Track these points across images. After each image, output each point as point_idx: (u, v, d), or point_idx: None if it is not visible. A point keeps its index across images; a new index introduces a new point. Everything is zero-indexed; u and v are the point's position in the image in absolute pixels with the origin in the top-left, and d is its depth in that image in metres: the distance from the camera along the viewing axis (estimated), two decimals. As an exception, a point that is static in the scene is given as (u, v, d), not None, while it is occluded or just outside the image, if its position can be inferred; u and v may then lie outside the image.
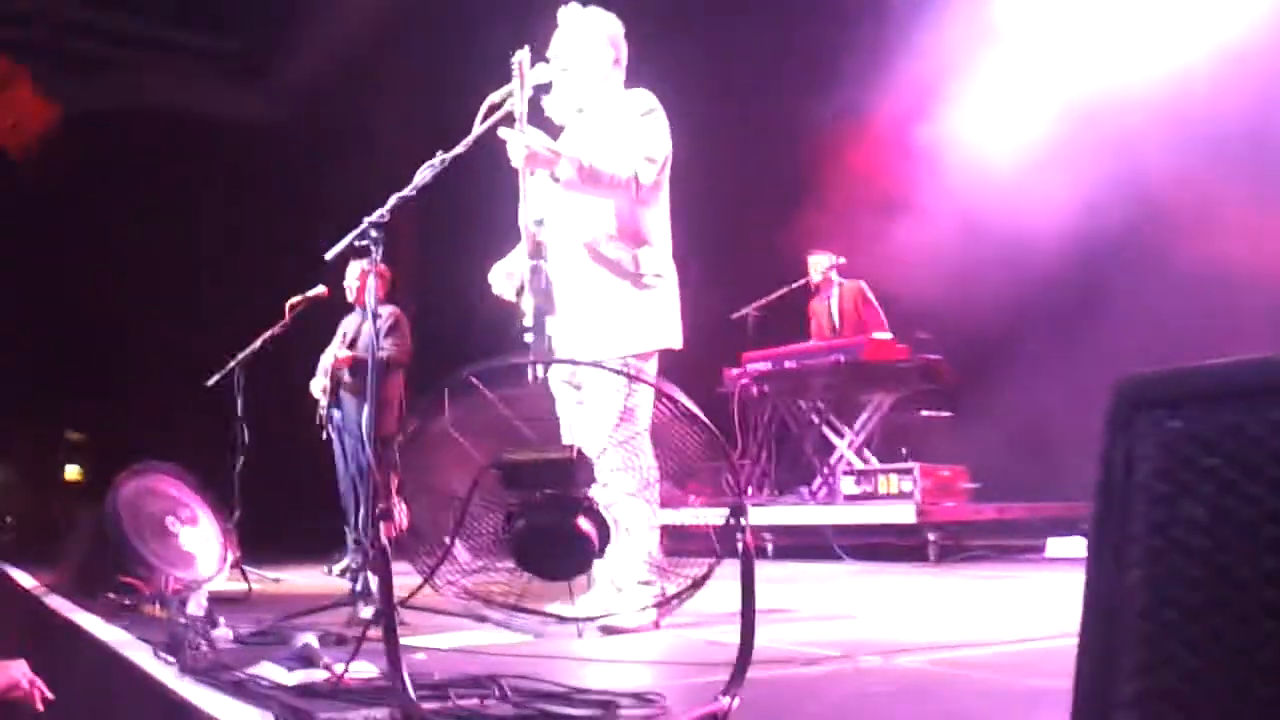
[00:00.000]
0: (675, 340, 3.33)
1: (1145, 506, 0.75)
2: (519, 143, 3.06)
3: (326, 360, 6.25)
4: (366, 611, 3.23)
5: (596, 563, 2.43)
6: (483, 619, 2.77)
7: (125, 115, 11.42)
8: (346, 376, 6.10)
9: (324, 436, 6.19)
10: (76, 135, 11.00)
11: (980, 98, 6.34)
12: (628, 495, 2.79)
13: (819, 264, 7.01)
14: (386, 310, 6.04)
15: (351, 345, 6.17)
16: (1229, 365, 0.75)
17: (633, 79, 3.48)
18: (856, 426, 6.51)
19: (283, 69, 11.99)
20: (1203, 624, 0.73)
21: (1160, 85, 5.49)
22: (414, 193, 3.21)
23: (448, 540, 2.22)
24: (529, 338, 3.04)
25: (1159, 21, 5.78)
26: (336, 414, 6.16)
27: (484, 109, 3.22)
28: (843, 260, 6.97)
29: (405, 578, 2.26)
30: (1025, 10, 6.23)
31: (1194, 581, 0.73)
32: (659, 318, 3.29)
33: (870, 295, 6.89)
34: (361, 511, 5.97)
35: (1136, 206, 5.71)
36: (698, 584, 2.33)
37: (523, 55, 3.15)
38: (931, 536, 5.57)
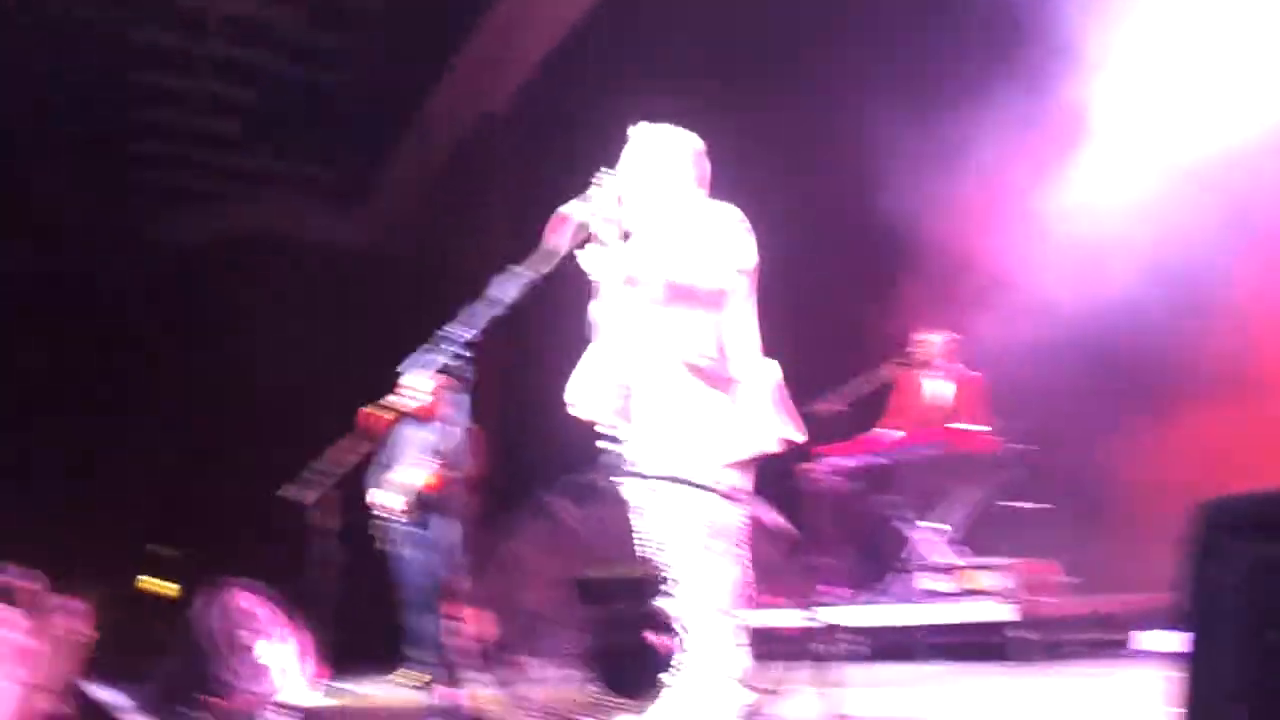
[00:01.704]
0: (768, 444, 3.28)
1: (1234, 632, 0.70)
2: (610, 262, 3.10)
3: (404, 477, 6.23)
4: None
5: (676, 673, 2.39)
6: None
7: (241, 243, 11.92)
8: (432, 496, 6.05)
9: (386, 550, 6.19)
10: (188, 262, 11.54)
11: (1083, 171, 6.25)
12: (713, 606, 2.75)
13: (934, 342, 6.87)
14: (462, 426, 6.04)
15: (441, 464, 6.14)
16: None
17: (717, 192, 3.52)
18: (950, 520, 6.35)
19: (379, 197, 12.47)
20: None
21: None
22: (503, 309, 3.21)
23: (526, 656, 2.20)
24: (610, 448, 3.03)
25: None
26: (416, 530, 6.14)
27: (572, 224, 3.26)
28: (954, 336, 6.85)
29: (480, 688, 2.24)
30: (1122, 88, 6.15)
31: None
32: (748, 423, 3.25)
33: (985, 391, 6.76)
34: (434, 625, 5.95)
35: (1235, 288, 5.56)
36: (778, 691, 2.27)
37: (608, 175, 3.21)
38: (1031, 634, 5.38)
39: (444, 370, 3.27)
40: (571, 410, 3.35)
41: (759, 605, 3.13)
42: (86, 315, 10.69)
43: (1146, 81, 6.07)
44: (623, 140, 3.52)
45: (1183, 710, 0.77)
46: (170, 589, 11.56)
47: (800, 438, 3.30)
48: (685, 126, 3.57)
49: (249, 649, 3.75)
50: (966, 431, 6.24)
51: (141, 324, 11.13)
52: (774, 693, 2.05)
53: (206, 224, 12.29)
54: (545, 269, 3.18)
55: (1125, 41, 5.99)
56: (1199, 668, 0.75)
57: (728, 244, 3.31)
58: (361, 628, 6.29)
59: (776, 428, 3.27)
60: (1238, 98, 5.70)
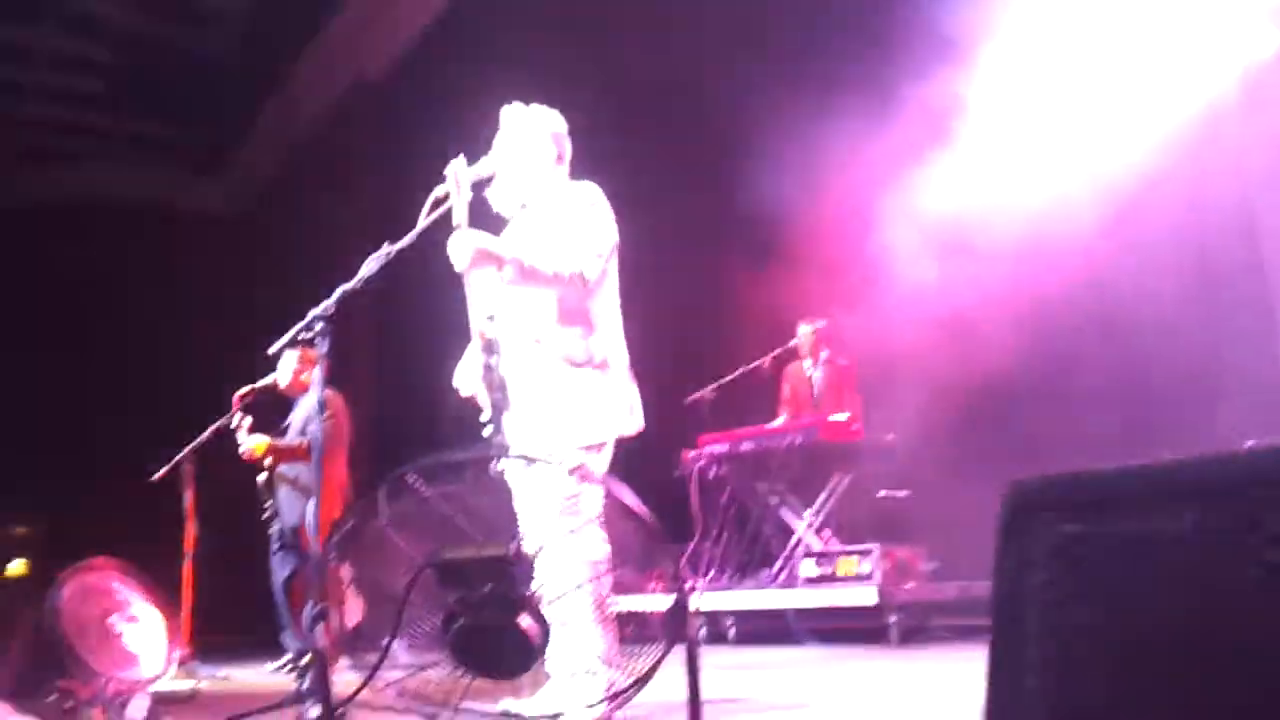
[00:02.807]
0: (627, 426, 3.33)
1: (1040, 612, 0.75)
2: (459, 247, 3.11)
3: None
4: (314, 711, 3.17)
5: (543, 658, 2.42)
6: (432, 718, 2.73)
7: (92, 206, 11.47)
8: (281, 468, 5.91)
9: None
10: (40, 224, 11.05)
11: (959, 164, 6.40)
12: (575, 588, 2.78)
13: (809, 331, 7.03)
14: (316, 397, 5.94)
15: (280, 434, 6.04)
16: (1117, 472, 0.76)
17: (583, 170, 3.54)
18: (815, 508, 6.50)
19: (238, 163, 12.13)
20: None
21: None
22: (360, 285, 3.21)
23: (386, 640, 2.20)
24: (487, 432, 3.04)
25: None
26: (269, 505, 5.98)
27: (429, 202, 3.26)
28: (823, 324, 7.01)
29: (351, 675, 2.23)
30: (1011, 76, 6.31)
31: (1086, 689, 0.73)
32: (610, 405, 3.29)
33: (854, 377, 6.94)
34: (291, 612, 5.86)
35: (1106, 294, 5.78)
36: (645, 677, 2.31)
37: (456, 163, 3.22)
38: (893, 618, 5.55)
39: (297, 343, 3.25)
40: (460, 392, 3.36)
41: (626, 588, 3.17)
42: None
43: (1022, 74, 6.24)
44: (494, 117, 3.52)
45: (987, 688, 0.82)
46: (20, 567, 11.17)
47: (635, 430, 3.34)
48: (561, 106, 3.59)
49: (113, 631, 3.65)
50: (833, 420, 6.39)
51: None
52: (639, 680, 2.08)
53: (57, 185, 11.81)
54: (403, 244, 3.18)
55: (1004, 33, 6.14)
56: (1003, 646, 0.80)
57: (583, 224, 3.33)
58: (229, 610, 6.19)
59: (630, 413, 3.32)
60: (1114, 93, 5.91)
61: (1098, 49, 5.97)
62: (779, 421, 6.92)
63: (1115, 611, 0.78)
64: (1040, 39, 6.09)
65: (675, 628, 2.05)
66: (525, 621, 2.10)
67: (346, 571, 3.39)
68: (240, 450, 5.83)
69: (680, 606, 2.06)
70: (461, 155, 3.24)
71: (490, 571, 2.04)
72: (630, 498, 2.07)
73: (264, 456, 5.83)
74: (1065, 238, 5.69)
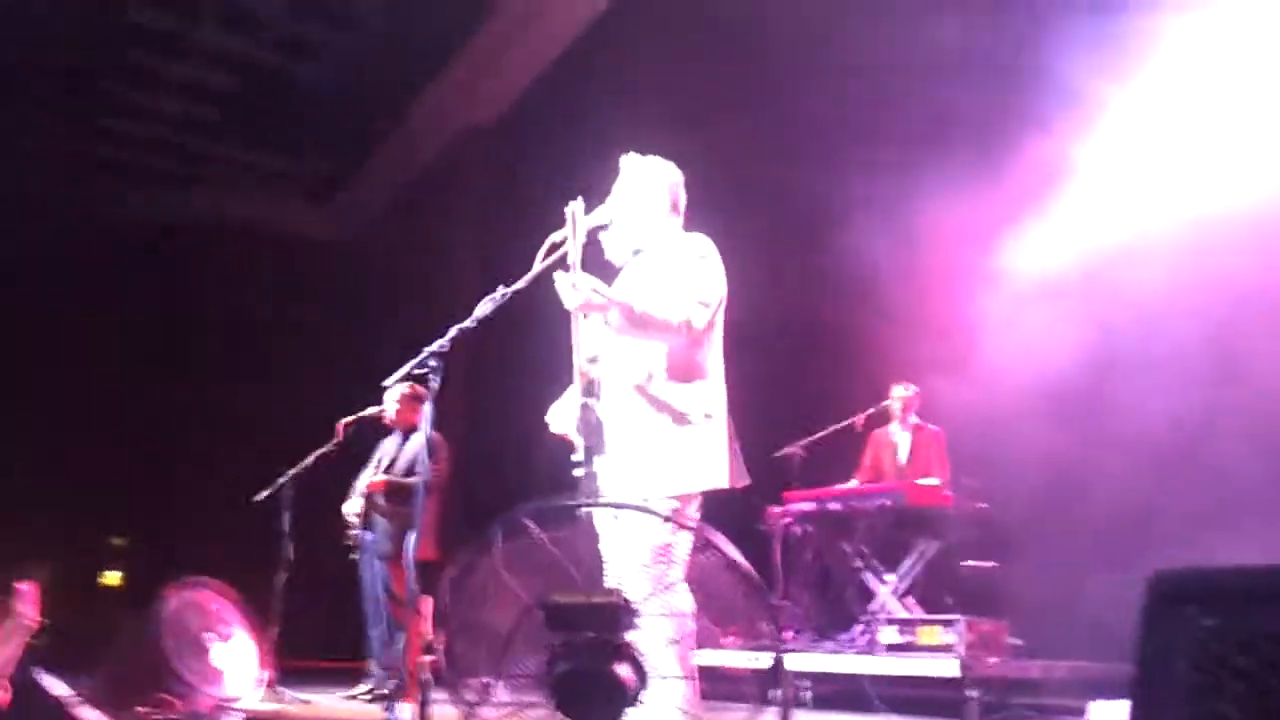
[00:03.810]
0: (721, 480, 3.33)
1: (1180, 702, 0.77)
2: (572, 289, 3.16)
3: (362, 483, 6.26)
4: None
5: (632, 710, 2.44)
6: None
7: (200, 230, 11.86)
8: (380, 500, 6.08)
9: (352, 558, 6.21)
10: (151, 246, 11.45)
11: (1050, 232, 6.36)
12: (666, 641, 2.80)
13: (903, 395, 7.01)
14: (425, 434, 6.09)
15: (388, 469, 6.20)
16: (1262, 569, 0.78)
17: (693, 225, 3.60)
18: (900, 573, 6.43)
19: (354, 194, 12.48)
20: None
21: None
22: (474, 324, 3.28)
23: (489, 678, 2.24)
24: (579, 473, 3.08)
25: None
26: (368, 536, 6.15)
27: (546, 247, 3.34)
28: (914, 390, 6.99)
29: (439, 707, 2.27)
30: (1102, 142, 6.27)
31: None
32: (705, 457, 3.30)
33: (944, 444, 6.89)
34: (390, 637, 5.95)
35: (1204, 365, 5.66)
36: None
37: (576, 205, 3.29)
38: (974, 693, 5.45)
39: (410, 379, 3.33)
40: (552, 430, 3.40)
41: (715, 643, 3.18)
42: (43, 293, 10.59)
43: (1115, 142, 6.20)
44: (602, 164, 3.60)
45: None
46: (114, 578, 11.47)
47: (740, 484, 3.34)
48: (667, 156, 3.66)
49: (207, 649, 3.76)
50: (923, 485, 6.33)
51: (102, 306, 11.03)
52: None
53: (175, 208, 12.23)
54: (518, 286, 3.25)
55: (1101, 101, 6.11)
56: (1142, 732, 0.82)
57: (693, 274, 3.37)
58: (319, 636, 6.30)
59: (727, 466, 3.33)
60: (1204, 162, 5.84)
61: (1205, 102, 5.90)
62: (853, 484, 6.88)
63: (1253, 709, 0.79)
64: (1150, 93, 6.05)
65: (770, 686, 2.06)
66: (623, 670, 2.13)
67: (428, 606, 3.45)
68: (361, 483, 6.10)
69: (778, 666, 2.08)
70: (580, 198, 3.31)
71: (596, 617, 2.07)
72: (733, 551, 2.10)
73: (380, 489, 6.04)
74: (1169, 299, 5.60)
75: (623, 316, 3.19)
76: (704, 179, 3.75)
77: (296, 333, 10.97)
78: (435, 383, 3.23)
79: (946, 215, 6.37)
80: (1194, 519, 4.93)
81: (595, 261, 3.39)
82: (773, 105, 7.40)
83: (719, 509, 3.41)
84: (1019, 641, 5.93)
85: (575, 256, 3.26)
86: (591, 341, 3.30)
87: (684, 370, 3.32)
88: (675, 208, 3.59)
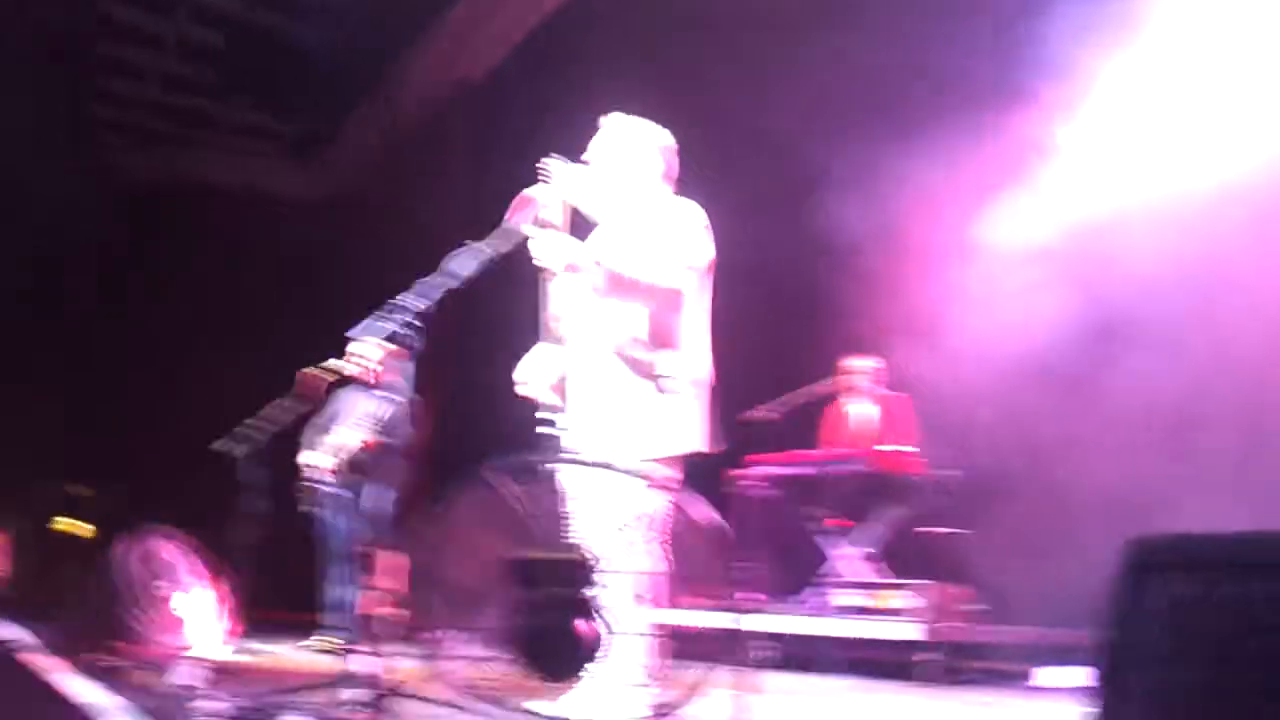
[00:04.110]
0: (698, 443, 3.32)
1: (1151, 667, 0.75)
2: (553, 250, 3.12)
3: (338, 439, 6.21)
4: (351, 692, 3.20)
5: (597, 662, 2.43)
6: (460, 709, 2.74)
7: (174, 186, 11.74)
8: (366, 459, 6.05)
9: (311, 511, 6.17)
10: (134, 201, 11.33)
11: (1026, 206, 6.34)
12: (631, 597, 2.79)
13: (861, 368, 6.99)
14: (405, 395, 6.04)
15: (384, 430, 6.13)
16: (1235, 536, 0.76)
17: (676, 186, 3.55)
18: (865, 537, 6.45)
19: (334, 151, 12.34)
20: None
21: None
22: (459, 284, 3.21)
23: (451, 631, 2.23)
24: (546, 430, 3.05)
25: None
26: (345, 494, 6.12)
27: (515, 201, 3.29)
28: (877, 362, 6.99)
29: (400, 659, 2.25)
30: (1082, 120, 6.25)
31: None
32: (682, 421, 3.29)
33: (912, 411, 6.89)
34: (353, 592, 5.94)
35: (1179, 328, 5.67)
36: (692, 692, 2.32)
37: (556, 162, 3.23)
38: (931, 656, 5.49)
39: (392, 338, 3.26)
40: (519, 389, 3.36)
41: (681, 603, 3.17)
42: (27, 244, 10.45)
43: (1102, 116, 6.19)
44: (587, 126, 3.55)
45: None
46: (85, 529, 11.37)
47: (710, 449, 3.33)
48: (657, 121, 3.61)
49: (166, 599, 3.72)
50: (890, 452, 6.34)
51: (86, 260, 10.90)
52: (687, 692, 2.09)
53: (164, 166, 12.07)
54: (503, 247, 3.19)
55: (1084, 84, 6.09)
56: (1112, 701, 0.80)
57: (681, 240, 3.34)
58: (279, 587, 6.27)
59: (703, 430, 3.31)
60: (1191, 138, 5.83)
61: (1194, 72, 5.89)
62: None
63: (1224, 674, 0.77)
64: (1138, 63, 6.02)
65: (730, 647, 2.06)
66: (583, 626, 2.11)
67: (403, 560, 3.42)
68: (345, 440, 6.11)
69: (737, 626, 2.07)
70: (557, 155, 3.26)
71: (558, 574, 2.05)
72: (706, 512, 2.08)
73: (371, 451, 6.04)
74: (1141, 269, 5.61)
75: (608, 280, 3.16)
76: (689, 138, 3.71)
77: (278, 288, 10.85)
78: (418, 342, 3.17)
79: (929, 183, 6.35)
80: (1170, 489, 4.95)
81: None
82: (761, 68, 7.33)
83: (692, 472, 3.40)
84: (984, 607, 5.98)
85: (557, 214, 3.22)
86: (562, 301, 3.27)
87: (665, 334, 3.30)
88: (668, 174, 3.54)
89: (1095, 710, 0.82)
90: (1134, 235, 5.71)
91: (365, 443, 6.06)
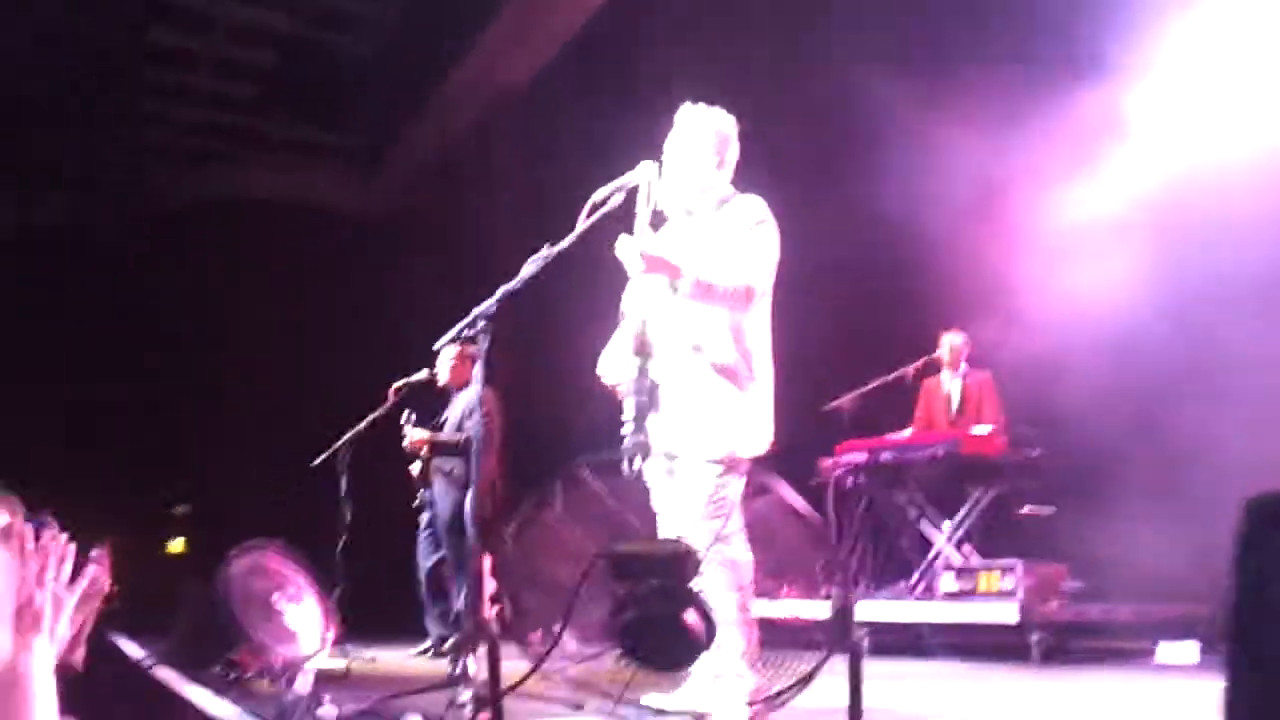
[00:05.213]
0: (766, 445, 3.35)
1: (1278, 625, 0.75)
2: (640, 252, 3.17)
3: (442, 436, 6.30)
4: (465, 695, 3.26)
5: (704, 654, 2.46)
6: (579, 708, 2.79)
7: (242, 205, 11.97)
8: (436, 460, 6.14)
9: (421, 498, 6.30)
10: (194, 221, 11.58)
11: (1106, 184, 6.24)
12: (724, 590, 2.81)
13: (953, 343, 6.95)
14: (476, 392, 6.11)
15: (436, 428, 6.24)
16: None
17: (739, 174, 3.56)
18: (955, 521, 6.40)
19: (395, 166, 12.51)
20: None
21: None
22: (521, 285, 3.28)
23: (557, 629, 2.27)
24: (627, 430, 3.09)
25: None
26: (428, 495, 6.25)
27: (589, 205, 3.32)
28: (964, 337, 6.93)
29: (506, 660, 2.29)
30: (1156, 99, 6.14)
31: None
32: (757, 421, 3.33)
33: (994, 388, 6.83)
34: (457, 594, 6.04)
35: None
36: (805, 680, 2.33)
37: (649, 166, 3.27)
38: (1035, 637, 5.43)
39: (460, 339, 3.34)
40: (603, 381, 3.41)
41: (777, 594, 3.19)
42: (94, 270, 10.76)
43: (1172, 92, 6.07)
44: (643, 124, 3.58)
45: (1227, 701, 0.82)
46: (179, 545, 11.71)
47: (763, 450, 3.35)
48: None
49: (279, 610, 3.82)
50: (975, 433, 6.29)
51: (154, 284, 11.17)
52: (800, 682, 2.11)
53: (216, 186, 12.33)
54: (564, 246, 3.24)
55: (1154, 52, 5.98)
56: (1242, 656, 0.81)
57: (754, 242, 3.36)
58: (383, 595, 6.41)
59: (771, 430, 3.35)
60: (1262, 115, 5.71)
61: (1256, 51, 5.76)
62: (907, 434, 6.83)
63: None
64: (1189, 52, 5.92)
65: (840, 635, 2.07)
66: (691, 617, 2.14)
67: (496, 560, 3.48)
68: (404, 442, 6.12)
69: (846, 613, 2.08)
70: (653, 162, 3.30)
71: (660, 566, 2.08)
72: (798, 501, 2.10)
73: (422, 447, 6.09)
74: (1224, 242, 5.49)
75: (691, 287, 3.21)
76: (747, 128, 3.71)
77: (346, 301, 11.04)
78: (485, 343, 3.24)
79: (999, 159, 6.27)
80: (1262, 461, 4.84)
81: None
82: (821, 50, 7.27)
83: (770, 463, 3.41)
84: (1079, 584, 5.90)
85: (644, 218, 3.27)
86: (644, 302, 3.30)
87: (739, 335, 3.33)
88: (722, 162, 3.54)
89: (1230, 668, 0.82)
90: (1217, 197, 5.59)
91: (412, 442, 6.13)
